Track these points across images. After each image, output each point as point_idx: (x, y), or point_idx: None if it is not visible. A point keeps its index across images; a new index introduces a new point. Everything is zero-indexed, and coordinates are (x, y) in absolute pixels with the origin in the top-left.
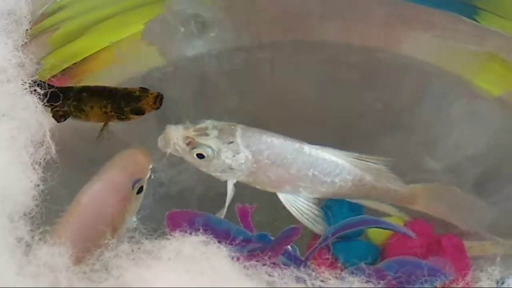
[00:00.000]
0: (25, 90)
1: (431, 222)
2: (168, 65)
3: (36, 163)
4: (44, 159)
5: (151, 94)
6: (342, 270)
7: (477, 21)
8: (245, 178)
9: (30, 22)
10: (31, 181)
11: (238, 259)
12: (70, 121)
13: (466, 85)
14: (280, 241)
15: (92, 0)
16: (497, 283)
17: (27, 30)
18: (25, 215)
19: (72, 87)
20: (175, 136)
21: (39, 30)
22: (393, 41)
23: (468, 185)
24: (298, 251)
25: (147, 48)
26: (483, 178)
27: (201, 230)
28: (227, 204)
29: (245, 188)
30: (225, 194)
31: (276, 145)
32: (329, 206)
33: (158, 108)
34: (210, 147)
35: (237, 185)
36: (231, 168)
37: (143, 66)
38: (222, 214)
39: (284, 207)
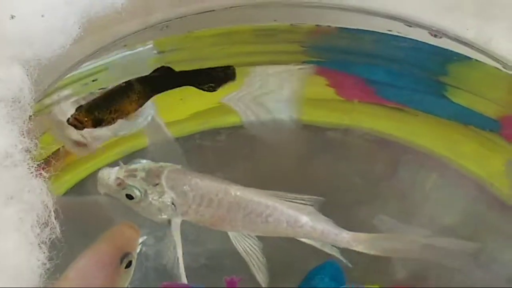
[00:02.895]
0: (31, 174)
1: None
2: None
3: (43, 243)
4: (50, 239)
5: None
6: None
7: (447, 98)
8: (182, 217)
9: (32, 108)
10: (38, 260)
11: None
12: (73, 201)
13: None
14: None
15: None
16: None
17: (30, 116)
18: None
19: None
20: (107, 177)
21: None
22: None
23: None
24: None
25: None
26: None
27: None
28: (175, 242)
29: None
30: (210, 266)
31: (200, 186)
32: (312, 276)
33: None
34: (136, 188)
35: None
36: (160, 210)
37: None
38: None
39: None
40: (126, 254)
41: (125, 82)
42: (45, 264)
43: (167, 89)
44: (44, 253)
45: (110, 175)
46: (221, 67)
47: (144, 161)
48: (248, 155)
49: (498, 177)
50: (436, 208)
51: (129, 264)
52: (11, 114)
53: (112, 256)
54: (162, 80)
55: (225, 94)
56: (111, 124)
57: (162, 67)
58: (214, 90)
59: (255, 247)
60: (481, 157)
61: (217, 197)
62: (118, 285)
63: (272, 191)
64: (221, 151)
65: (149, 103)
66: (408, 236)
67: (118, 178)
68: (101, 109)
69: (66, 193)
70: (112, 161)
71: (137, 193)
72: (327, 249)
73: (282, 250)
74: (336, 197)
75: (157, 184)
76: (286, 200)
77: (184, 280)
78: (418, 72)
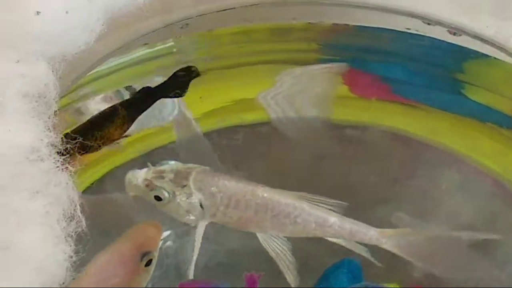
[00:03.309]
0: (57, 168)
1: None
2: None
3: (69, 236)
4: (76, 232)
5: None
6: None
7: (464, 95)
8: (210, 219)
9: (57, 103)
10: (65, 253)
11: None
12: (91, 199)
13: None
14: None
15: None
16: None
17: (55, 111)
18: (59, 284)
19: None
20: (136, 178)
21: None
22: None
23: None
24: None
25: None
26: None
27: None
28: (196, 244)
29: None
30: (227, 264)
31: (228, 188)
32: (330, 272)
33: None
34: (165, 189)
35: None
36: (188, 211)
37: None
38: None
39: None
40: (146, 253)
41: (110, 107)
42: (71, 257)
43: (146, 109)
44: (70, 246)
45: (138, 177)
46: (182, 69)
47: (171, 162)
48: (265, 153)
49: None
50: (454, 205)
51: (149, 263)
52: (36, 109)
53: (132, 253)
54: (144, 101)
55: (258, 91)
56: (97, 150)
57: (144, 88)
58: (181, 96)
59: (284, 247)
60: (499, 155)
61: (245, 198)
62: (137, 283)
63: (298, 193)
64: (238, 149)
65: (171, 100)
66: (436, 230)
67: (146, 179)
68: (87, 136)
69: (84, 191)
70: (129, 159)
71: (166, 194)
72: (356, 249)
73: (297, 248)
74: (354, 196)
75: (185, 186)
76: (312, 203)
77: (191, 276)
78: (435, 70)
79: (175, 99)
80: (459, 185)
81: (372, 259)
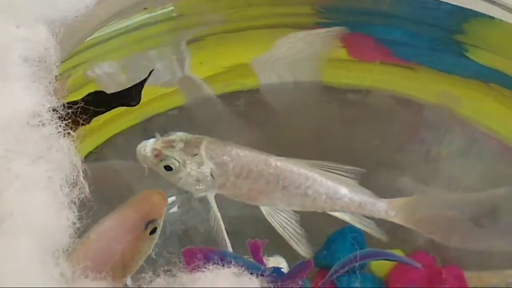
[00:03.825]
0: (59, 133)
1: (431, 253)
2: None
3: (72, 202)
4: (79, 198)
5: None
6: None
7: (467, 57)
8: (217, 191)
9: (58, 68)
10: (68, 220)
11: None
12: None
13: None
14: (293, 275)
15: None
16: None
17: (56, 76)
18: (63, 251)
19: None
20: (144, 149)
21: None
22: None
23: None
24: (308, 284)
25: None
26: (479, 212)
27: (233, 263)
28: (215, 214)
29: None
30: (231, 231)
31: (241, 157)
32: (333, 240)
33: None
34: (175, 158)
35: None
36: (198, 181)
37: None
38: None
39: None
40: (151, 221)
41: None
42: (75, 223)
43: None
44: (73, 212)
45: (147, 147)
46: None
47: (179, 133)
48: (267, 119)
49: None
50: (458, 169)
51: (153, 231)
52: (37, 73)
53: (137, 221)
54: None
55: (253, 56)
56: None
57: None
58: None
59: (291, 220)
60: (503, 116)
61: (257, 168)
62: (140, 250)
63: (313, 161)
64: (241, 116)
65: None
66: (444, 195)
67: (155, 149)
68: None
69: (84, 158)
70: (129, 126)
71: (176, 163)
72: (363, 226)
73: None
74: (357, 161)
75: (196, 155)
76: (327, 170)
77: (229, 248)
78: (436, 32)
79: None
80: (463, 149)
81: (380, 235)
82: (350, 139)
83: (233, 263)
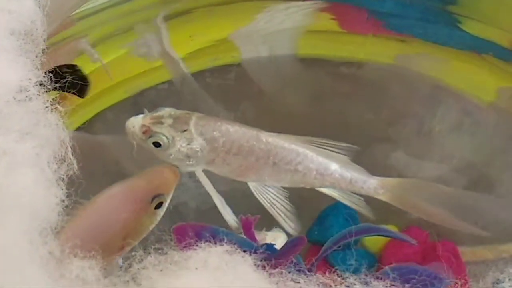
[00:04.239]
0: (46, 108)
1: (426, 228)
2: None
3: (60, 179)
4: (67, 175)
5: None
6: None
7: (460, 29)
8: (206, 167)
9: (45, 41)
10: (56, 197)
11: (263, 267)
12: (90, 137)
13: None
14: (286, 251)
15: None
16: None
17: (43, 49)
18: (52, 230)
19: None
20: (132, 125)
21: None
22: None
23: None
24: (302, 261)
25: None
26: (471, 185)
27: (225, 240)
28: (212, 193)
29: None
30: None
31: (231, 133)
32: (325, 215)
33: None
34: (164, 135)
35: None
36: (188, 157)
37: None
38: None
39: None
40: (158, 195)
41: None
42: (63, 201)
43: None
44: (62, 189)
45: (135, 123)
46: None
47: (167, 108)
48: (259, 93)
49: None
50: (453, 143)
51: (159, 205)
52: (23, 47)
53: (144, 192)
54: None
55: (234, 30)
56: None
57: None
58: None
59: (279, 196)
60: (497, 88)
61: (248, 144)
62: (143, 223)
63: (306, 137)
64: (231, 89)
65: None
66: (437, 185)
67: (143, 125)
68: None
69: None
70: (119, 101)
71: (165, 140)
72: (352, 203)
73: (290, 192)
74: (350, 135)
75: (185, 131)
76: (319, 147)
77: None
78: (428, 2)
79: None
80: (458, 122)
81: (369, 214)
82: (343, 113)
83: (225, 240)
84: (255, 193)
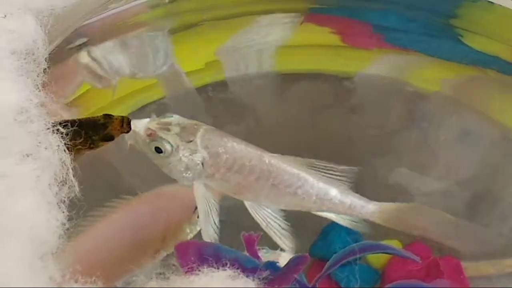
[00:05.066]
0: (48, 130)
1: (428, 244)
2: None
3: (61, 202)
4: (68, 198)
5: (116, 119)
6: None
7: (463, 43)
8: (204, 181)
9: (46, 60)
10: (57, 220)
11: None
12: (90, 159)
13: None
14: (289, 269)
15: None
16: None
17: (45, 69)
18: (52, 254)
19: None
20: (137, 126)
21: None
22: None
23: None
24: (305, 278)
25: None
26: (475, 200)
27: (228, 265)
28: (200, 208)
29: None
30: (226, 222)
31: (236, 150)
32: (328, 231)
33: (127, 131)
34: (168, 142)
35: None
36: (187, 168)
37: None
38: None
39: None
40: None
41: None
42: (64, 224)
43: None
44: (63, 212)
45: (140, 125)
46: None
47: (176, 116)
48: (262, 106)
49: None
50: (454, 157)
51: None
52: (24, 67)
53: (190, 200)
54: None
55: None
56: None
57: None
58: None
59: (275, 215)
60: (502, 103)
61: (250, 163)
62: (183, 230)
63: (308, 160)
64: (235, 103)
65: (166, 51)
66: (436, 211)
67: (149, 129)
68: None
69: None
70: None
71: (168, 147)
72: (348, 224)
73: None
74: (352, 149)
75: (191, 141)
76: (321, 170)
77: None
78: (430, 17)
79: (168, 51)
80: (460, 136)
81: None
82: (346, 127)
83: (227, 258)
84: (250, 212)
